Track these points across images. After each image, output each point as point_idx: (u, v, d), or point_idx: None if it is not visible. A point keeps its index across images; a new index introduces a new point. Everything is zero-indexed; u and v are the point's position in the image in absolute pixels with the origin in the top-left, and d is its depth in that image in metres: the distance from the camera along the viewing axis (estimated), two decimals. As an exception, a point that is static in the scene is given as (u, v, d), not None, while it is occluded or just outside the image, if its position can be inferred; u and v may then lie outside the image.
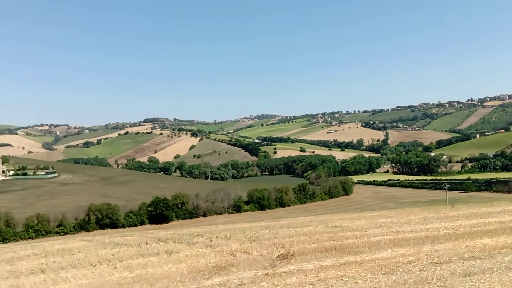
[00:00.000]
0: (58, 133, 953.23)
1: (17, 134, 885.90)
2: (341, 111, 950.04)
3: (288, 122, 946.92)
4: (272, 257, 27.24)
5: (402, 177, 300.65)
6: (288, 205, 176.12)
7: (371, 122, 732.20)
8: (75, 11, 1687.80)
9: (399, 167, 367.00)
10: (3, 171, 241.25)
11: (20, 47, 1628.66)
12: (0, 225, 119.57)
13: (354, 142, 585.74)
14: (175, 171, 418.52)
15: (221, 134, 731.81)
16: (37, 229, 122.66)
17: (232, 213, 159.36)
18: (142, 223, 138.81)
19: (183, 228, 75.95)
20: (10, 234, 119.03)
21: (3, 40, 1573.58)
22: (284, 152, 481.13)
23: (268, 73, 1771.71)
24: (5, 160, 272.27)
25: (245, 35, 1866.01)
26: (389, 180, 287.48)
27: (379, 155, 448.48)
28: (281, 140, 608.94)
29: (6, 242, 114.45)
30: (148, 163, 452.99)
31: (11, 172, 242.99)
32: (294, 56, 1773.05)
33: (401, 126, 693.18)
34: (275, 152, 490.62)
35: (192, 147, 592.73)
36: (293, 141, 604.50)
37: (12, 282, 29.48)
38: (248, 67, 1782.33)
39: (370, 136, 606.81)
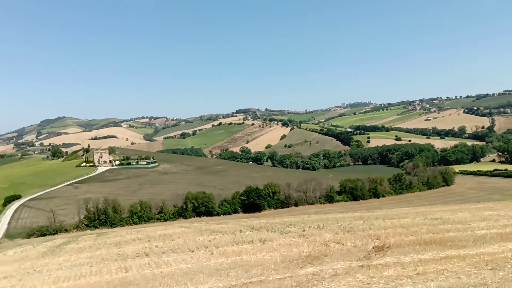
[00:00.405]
0: (157, 125, 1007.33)
1: (121, 126, 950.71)
2: (440, 97, 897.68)
3: (382, 110, 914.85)
4: (367, 248, 26.51)
5: (511, 167, 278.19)
6: (383, 196, 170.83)
7: (475, 108, 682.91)
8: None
9: (507, 156, 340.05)
10: (110, 161, 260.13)
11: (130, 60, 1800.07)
12: (108, 211, 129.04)
13: (455, 129, 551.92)
14: (266, 161, 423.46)
15: (312, 124, 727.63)
16: (140, 215, 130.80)
17: (324, 203, 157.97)
18: (235, 211, 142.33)
19: (275, 217, 76.58)
20: (117, 220, 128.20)
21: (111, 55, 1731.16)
22: (378, 141, 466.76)
23: (361, 60, 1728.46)
24: (112, 150, 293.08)
25: (335, 25, 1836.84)
26: (495, 170, 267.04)
27: (484, 143, 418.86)
28: (374, 128, 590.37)
29: (114, 227, 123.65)
30: (240, 153, 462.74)
31: (117, 162, 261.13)
32: (389, 42, 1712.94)
33: (509, 111, 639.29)
34: (368, 141, 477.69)
35: (283, 137, 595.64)
36: (387, 130, 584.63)
37: (120, 264, 31.62)
38: (339, 55, 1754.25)
39: (474, 123, 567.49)
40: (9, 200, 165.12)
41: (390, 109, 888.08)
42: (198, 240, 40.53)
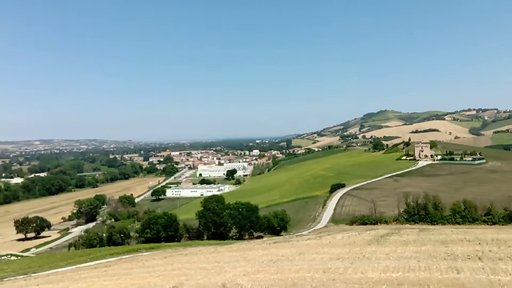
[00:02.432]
0: (486, 117, 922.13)
1: (444, 119, 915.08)
2: None
3: None
4: None
5: None
6: None
7: None
8: None
9: None
10: (431, 156, 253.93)
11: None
12: (428, 207, 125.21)
13: None
14: None
15: None
16: (464, 215, 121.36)
17: None
18: None
19: None
20: (437, 217, 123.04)
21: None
22: None
23: None
24: (433, 144, 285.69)
25: None
26: None
27: None
28: None
29: (434, 224, 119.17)
30: None
31: (439, 157, 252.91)
32: None
33: None
34: None
35: None
36: None
37: (450, 263, 29.21)
38: None
39: None
40: (334, 188, 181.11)
41: None
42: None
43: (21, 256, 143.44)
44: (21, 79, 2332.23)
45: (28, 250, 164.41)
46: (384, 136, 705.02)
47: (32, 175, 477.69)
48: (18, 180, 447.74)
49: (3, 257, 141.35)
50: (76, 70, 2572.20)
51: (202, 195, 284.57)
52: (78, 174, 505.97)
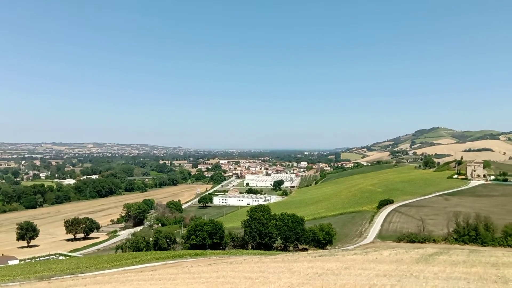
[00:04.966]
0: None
1: (498, 139, 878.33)
2: None
3: None
4: None
5: None
6: None
7: None
8: None
9: None
10: (484, 175, 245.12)
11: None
12: (479, 228, 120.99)
13: None
14: None
15: None
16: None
17: None
18: None
19: None
20: (488, 239, 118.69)
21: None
22: None
23: None
24: (486, 164, 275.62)
25: None
26: None
27: None
28: None
29: (484, 246, 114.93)
30: None
31: (492, 177, 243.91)
32: None
33: None
34: None
35: None
36: None
37: (500, 286, 28.69)
38: None
39: None
40: (382, 203, 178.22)
41: None
42: None
43: (69, 256, 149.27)
44: (77, 85, 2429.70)
45: (76, 250, 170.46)
46: (436, 154, 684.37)
47: (84, 177, 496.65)
48: (70, 181, 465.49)
49: (51, 256, 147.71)
50: (132, 80, 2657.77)
51: (249, 204, 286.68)
52: (128, 178, 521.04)
